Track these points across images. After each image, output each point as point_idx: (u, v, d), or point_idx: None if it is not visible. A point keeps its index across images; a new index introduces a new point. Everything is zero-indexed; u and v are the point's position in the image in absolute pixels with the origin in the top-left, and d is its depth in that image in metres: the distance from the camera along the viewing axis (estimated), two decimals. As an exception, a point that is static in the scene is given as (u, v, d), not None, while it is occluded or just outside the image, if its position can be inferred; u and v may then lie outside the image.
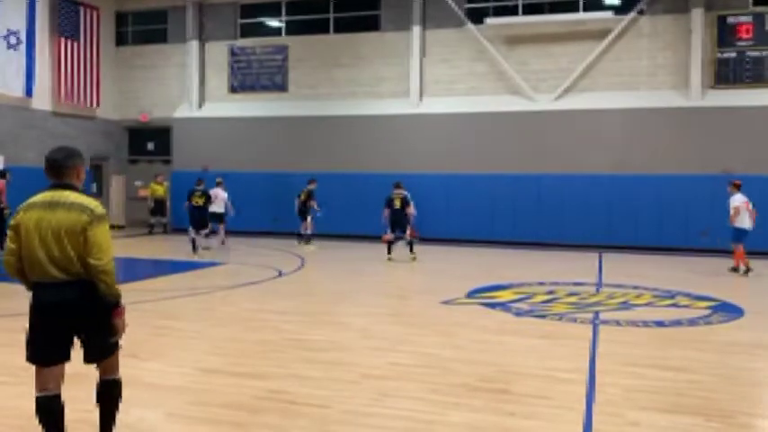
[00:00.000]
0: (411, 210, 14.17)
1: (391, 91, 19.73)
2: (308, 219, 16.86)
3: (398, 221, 14.15)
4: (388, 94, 19.75)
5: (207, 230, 15.27)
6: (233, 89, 21.27)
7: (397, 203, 14.10)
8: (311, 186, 17.01)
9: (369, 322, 7.88)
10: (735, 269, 12.88)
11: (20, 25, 18.40)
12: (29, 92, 18.82)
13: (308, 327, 7.64)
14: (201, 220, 14.98)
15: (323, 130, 19.86)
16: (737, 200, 12.69)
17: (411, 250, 14.28)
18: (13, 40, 18.23)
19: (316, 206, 16.79)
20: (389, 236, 14.19)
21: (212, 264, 13.26)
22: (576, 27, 18.00)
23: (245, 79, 21.10)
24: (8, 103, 18.37)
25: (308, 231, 16.85)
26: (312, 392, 5.07)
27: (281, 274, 11.95)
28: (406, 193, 14.38)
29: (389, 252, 14.18)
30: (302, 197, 16.96)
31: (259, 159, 20.15)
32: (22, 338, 6.38)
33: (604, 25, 17.76)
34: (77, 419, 4.42)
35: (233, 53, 21.16)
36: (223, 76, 21.32)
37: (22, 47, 18.50)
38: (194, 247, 14.65)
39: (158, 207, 20.20)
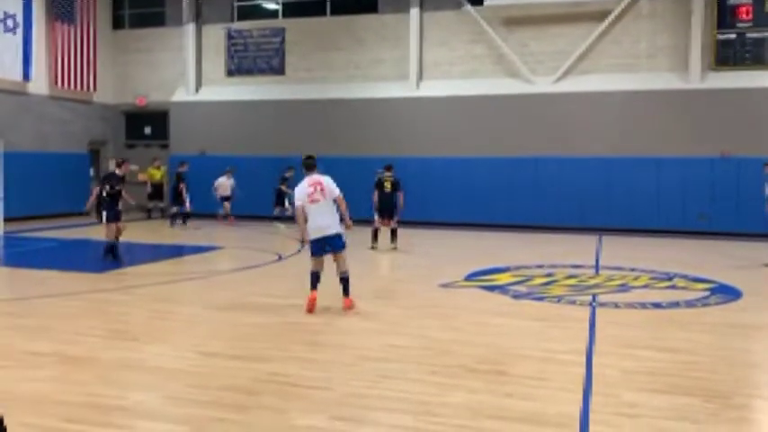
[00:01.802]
0: (401, 194, 13.08)
1: (389, 74, 19.63)
2: (286, 203, 16.97)
3: (388, 206, 13.12)
4: (386, 77, 19.66)
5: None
6: (230, 72, 21.16)
7: (388, 186, 13.13)
8: (289, 174, 17.01)
9: (367, 305, 7.91)
10: None
11: (16, 9, 18.26)
12: (27, 76, 18.72)
13: (305, 310, 7.66)
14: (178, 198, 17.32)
15: (320, 114, 19.79)
16: None
17: (394, 238, 13.20)
18: (10, 23, 18.10)
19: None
20: (379, 223, 13.15)
21: (212, 248, 13.28)
22: (575, 9, 17.88)
23: (241, 62, 20.98)
24: (5, 87, 18.27)
25: (287, 213, 16.95)
26: (312, 375, 5.10)
27: (280, 257, 11.97)
28: (394, 175, 13.34)
29: (375, 239, 13.14)
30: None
31: (256, 143, 20.10)
32: (26, 323, 6.41)
33: (604, 7, 17.65)
34: (83, 403, 4.45)
35: (230, 36, 21.02)
36: (220, 60, 21.20)
37: (20, 30, 18.38)
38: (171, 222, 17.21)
39: (156, 191, 20.17)
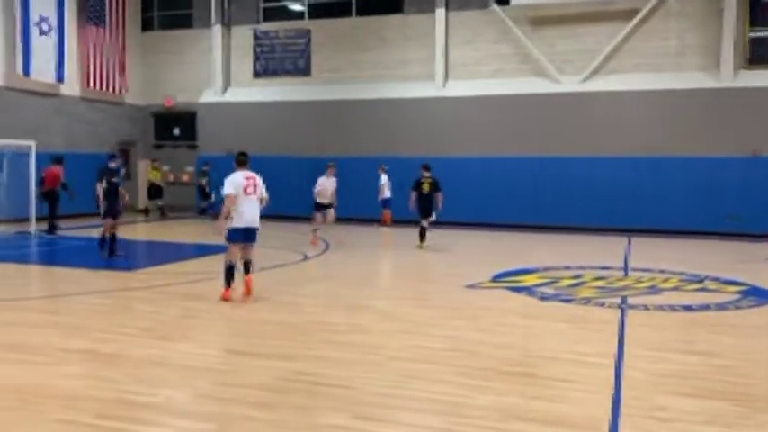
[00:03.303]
0: (440, 195, 13.23)
1: (415, 74, 19.62)
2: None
3: (426, 206, 13.29)
4: (412, 77, 19.65)
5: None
6: (257, 74, 21.33)
7: (426, 188, 13.28)
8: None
9: (393, 305, 7.91)
10: None
11: (50, 12, 18.64)
12: (60, 78, 19.07)
13: (333, 309, 7.69)
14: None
15: (346, 114, 19.85)
16: None
17: (423, 237, 13.36)
18: (44, 26, 18.47)
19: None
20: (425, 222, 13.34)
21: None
22: (603, 7, 17.69)
23: (268, 64, 21.14)
24: (39, 89, 18.64)
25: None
26: (338, 374, 5.11)
27: (306, 257, 12.02)
28: (433, 176, 13.55)
29: (422, 239, 13.38)
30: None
31: (283, 144, 20.23)
32: (58, 320, 6.52)
33: (632, 5, 17.43)
34: (114, 399, 4.52)
35: (256, 37, 21.19)
36: (247, 61, 21.38)
37: (53, 33, 18.74)
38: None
39: (155, 191, 20.61)
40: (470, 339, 6.31)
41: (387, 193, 17.94)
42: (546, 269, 10.69)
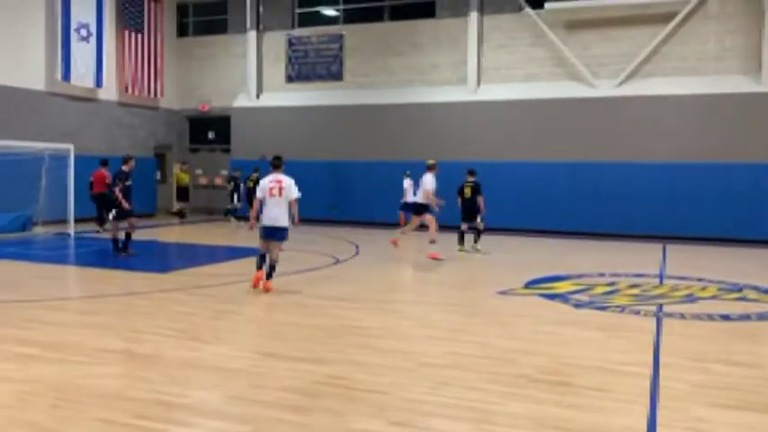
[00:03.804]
0: (481, 199, 13.49)
1: (448, 78, 19.59)
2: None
3: (468, 211, 13.54)
4: (444, 81, 19.62)
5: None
6: (290, 78, 21.51)
7: (467, 192, 13.55)
8: (257, 174, 17.79)
9: (425, 311, 7.89)
10: None
11: (90, 18, 19.07)
12: (99, 83, 19.50)
13: (364, 314, 7.71)
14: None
15: (379, 119, 19.90)
16: None
17: (475, 241, 13.64)
18: (83, 32, 18.90)
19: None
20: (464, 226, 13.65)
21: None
22: (639, 10, 17.45)
23: (301, 69, 21.30)
24: (78, 94, 19.08)
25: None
26: (371, 379, 5.12)
27: (337, 261, 12.07)
28: (476, 180, 13.79)
29: (461, 242, 13.67)
30: (250, 184, 17.95)
31: (316, 148, 20.35)
32: (95, 320, 6.67)
33: (670, 8, 17.15)
34: (150, 400, 4.58)
35: (290, 43, 21.38)
36: (280, 66, 21.58)
37: (93, 39, 19.17)
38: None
39: (183, 193, 20.89)
40: (503, 346, 6.26)
41: (410, 197, 17.96)
42: (580, 276, 10.56)
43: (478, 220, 13.62)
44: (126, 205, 11.80)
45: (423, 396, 4.76)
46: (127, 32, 20.53)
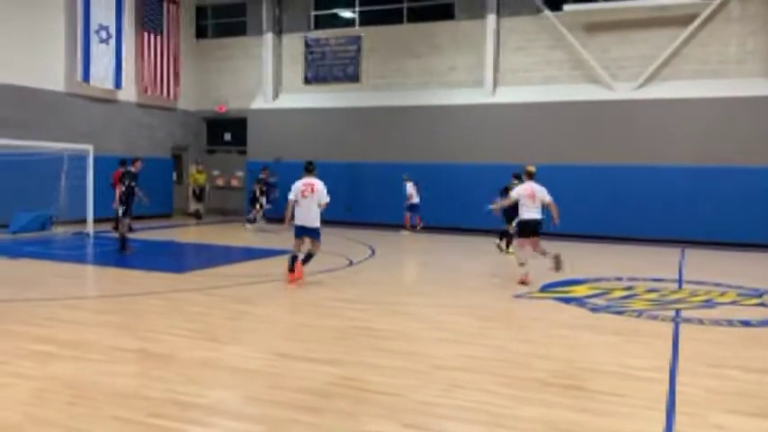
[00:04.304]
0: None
1: (465, 80, 19.53)
2: (258, 206, 18.44)
3: (511, 213, 13.22)
4: (462, 83, 19.57)
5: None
6: (307, 80, 21.58)
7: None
8: (263, 175, 17.96)
9: (439, 313, 7.88)
10: None
11: (109, 20, 19.26)
12: (118, 84, 19.69)
13: (378, 316, 7.71)
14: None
15: (396, 121, 19.89)
16: None
17: (508, 244, 13.83)
18: (103, 34, 19.11)
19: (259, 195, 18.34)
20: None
21: (285, 251, 13.52)
22: (659, 12, 17.29)
23: (318, 70, 21.36)
24: (98, 95, 19.29)
25: (258, 216, 18.34)
26: (384, 381, 5.11)
27: (351, 263, 12.08)
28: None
29: (508, 245, 13.84)
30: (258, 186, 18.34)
31: (332, 150, 20.38)
32: (112, 319, 6.72)
33: (690, 10, 16.98)
34: (166, 399, 4.62)
35: (307, 44, 21.45)
36: (298, 68, 21.65)
37: (112, 41, 19.38)
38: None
39: (200, 194, 21.01)
40: (517, 350, 6.22)
41: (415, 199, 18.07)
42: (597, 280, 10.48)
43: (514, 223, 13.49)
44: (118, 207, 12.44)
45: (435, 399, 4.75)
46: (146, 34, 20.71)
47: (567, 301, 8.75)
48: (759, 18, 16.55)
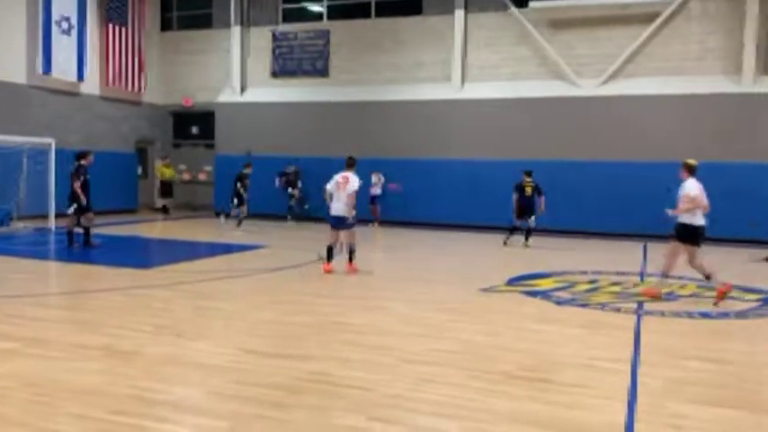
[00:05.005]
0: (543, 198, 14.58)
1: (433, 76, 19.61)
2: (242, 203, 16.80)
3: (527, 208, 14.54)
4: (430, 78, 19.64)
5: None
6: (275, 74, 21.43)
7: (528, 191, 14.54)
8: (247, 171, 16.87)
9: (409, 308, 7.91)
10: None
11: (71, 11, 18.87)
12: (81, 76, 19.29)
13: (348, 310, 7.70)
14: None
15: (364, 116, 19.88)
16: None
17: (528, 236, 14.64)
18: (65, 25, 18.69)
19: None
20: (517, 221, 14.73)
21: (255, 246, 13.45)
22: (622, 11, 17.57)
23: (286, 64, 21.23)
24: (60, 87, 18.87)
25: (243, 215, 16.84)
26: (353, 375, 5.12)
27: (321, 258, 12.03)
28: (534, 180, 14.74)
29: (510, 236, 14.74)
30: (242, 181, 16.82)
31: (301, 144, 20.30)
32: (75, 316, 6.58)
33: (652, 9, 17.30)
34: (129, 396, 4.55)
35: (275, 38, 21.29)
36: (265, 61, 21.49)
37: (74, 32, 18.97)
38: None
39: (167, 189, 20.71)
40: (485, 343, 6.28)
41: (376, 190, 18.42)
42: (561, 273, 10.63)
43: (533, 218, 14.53)
44: (83, 200, 12.09)
45: (405, 392, 4.77)
46: (110, 26, 20.32)
47: (533, 294, 8.86)
48: (718, 17, 16.94)
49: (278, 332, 6.58)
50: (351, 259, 10.20)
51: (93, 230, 12.82)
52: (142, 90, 21.72)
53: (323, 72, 20.85)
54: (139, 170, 22.03)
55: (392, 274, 10.93)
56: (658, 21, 17.26)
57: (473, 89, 19.05)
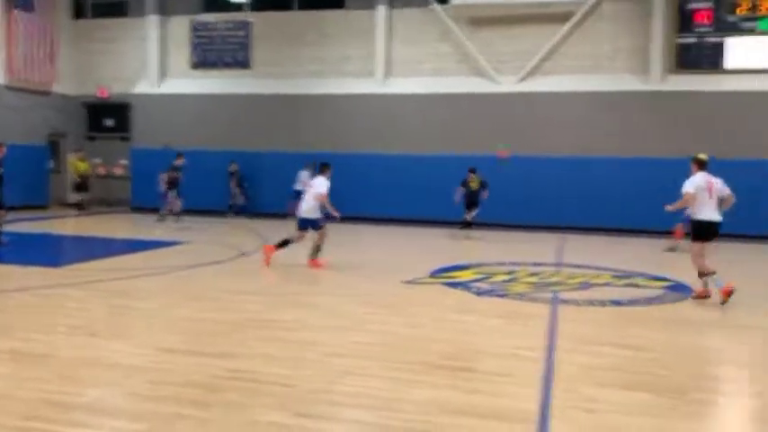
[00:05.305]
0: (486, 192, 15.43)
1: (357, 70, 19.61)
2: (175, 195, 16.26)
3: (471, 202, 15.35)
4: (353, 73, 19.64)
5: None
6: (194, 65, 20.88)
7: (474, 186, 15.33)
8: (179, 162, 16.36)
9: (332, 302, 7.91)
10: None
11: (-30, -5, 17.73)
12: (-18, 65, 18.19)
13: (270, 306, 7.63)
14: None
15: (287, 109, 19.69)
16: None
17: (469, 227, 15.48)
18: (-37, 10, 17.56)
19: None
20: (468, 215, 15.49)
21: (174, 243, 13.10)
22: (540, 9, 18.10)
23: (206, 55, 20.73)
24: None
25: (177, 209, 16.34)
26: (274, 371, 5.08)
27: (243, 254, 11.86)
28: (479, 176, 15.48)
29: (466, 227, 15.45)
30: (170, 174, 16.25)
31: (222, 138, 19.90)
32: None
33: (567, 8, 17.92)
34: (41, 400, 4.36)
35: (194, 28, 20.73)
36: (184, 52, 20.90)
37: (-26, 18, 17.85)
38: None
39: (82, 184, 19.87)
40: (407, 335, 6.37)
41: (298, 186, 18.25)
42: (481, 265, 10.89)
43: (475, 212, 15.37)
44: None
45: (327, 386, 4.78)
46: (16, 12, 19.23)
47: (454, 285, 9.04)
48: (627, 18, 17.74)
49: (197, 330, 6.45)
50: (314, 255, 10.39)
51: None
52: (53, 80, 20.68)
53: (244, 64, 20.48)
54: (51, 164, 20.99)
55: (313, 270, 10.88)
56: (573, 20, 17.89)
57: (397, 84, 19.19)
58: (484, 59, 18.51)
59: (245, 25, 20.36)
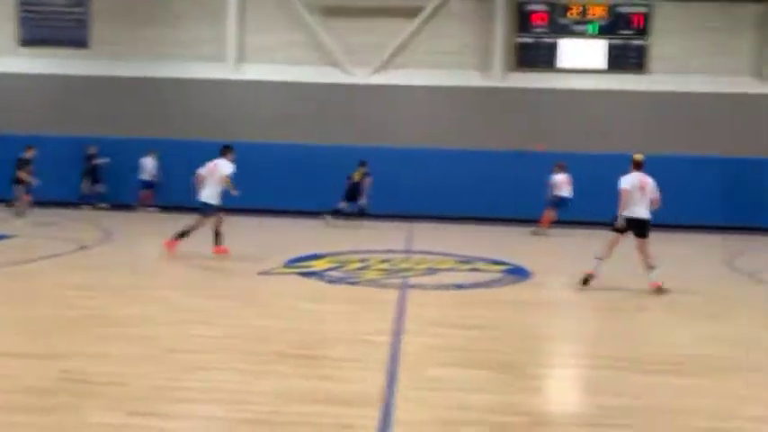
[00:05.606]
0: (367, 180, 16.07)
1: (207, 54, 18.94)
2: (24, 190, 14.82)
3: (354, 193, 15.99)
4: (203, 57, 18.94)
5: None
6: (24, 42, 19.10)
7: (356, 177, 15.90)
8: (29, 154, 15.03)
9: (179, 296, 7.59)
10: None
11: None
12: None
13: (111, 302, 7.17)
14: None
15: (132, 93, 18.63)
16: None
17: (360, 217, 16.10)
18: None
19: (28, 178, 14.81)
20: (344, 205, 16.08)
21: (2, 236, 11.94)
22: (388, 3, 18.49)
23: (37, 32, 19.03)
24: None
25: (24, 204, 14.89)
26: (110, 370, 4.78)
27: (83, 247, 11.07)
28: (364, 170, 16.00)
29: (340, 217, 15.94)
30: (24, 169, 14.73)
31: (57, 122, 18.39)
32: None
33: (416, 3, 18.44)
34: None
35: (21, 2, 18.95)
36: (10, 27, 19.05)
37: None
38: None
39: None
40: (257, 326, 6.26)
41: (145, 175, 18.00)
42: (335, 254, 10.97)
43: (363, 200, 16.07)
44: None
45: (168, 383, 4.57)
46: None
47: (308, 275, 9.03)
48: (473, 16, 18.59)
49: (26, 330, 5.91)
50: (218, 242, 10.32)
51: None
52: None
53: (83, 43, 19.04)
54: None
55: (161, 262, 10.40)
56: (423, 15, 18.44)
57: (250, 70, 18.77)
58: (338, 50, 18.58)
59: (82, 1, 18.91)
